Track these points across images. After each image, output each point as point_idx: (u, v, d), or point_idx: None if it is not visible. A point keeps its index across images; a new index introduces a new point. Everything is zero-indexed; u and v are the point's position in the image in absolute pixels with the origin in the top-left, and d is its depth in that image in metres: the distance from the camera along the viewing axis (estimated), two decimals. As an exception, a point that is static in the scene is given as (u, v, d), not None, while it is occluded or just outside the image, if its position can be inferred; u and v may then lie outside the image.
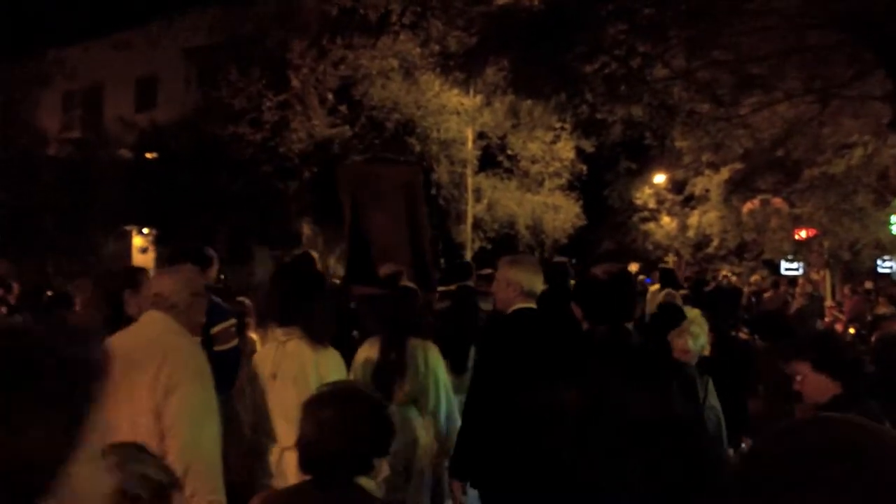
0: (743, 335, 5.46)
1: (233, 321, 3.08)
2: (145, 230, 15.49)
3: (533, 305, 2.87)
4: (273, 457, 2.25)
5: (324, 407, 1.59)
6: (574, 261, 14.47)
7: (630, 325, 2.34)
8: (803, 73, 9.15)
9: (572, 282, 4.13)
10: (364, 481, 1.58)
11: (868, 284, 10.59)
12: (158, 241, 15.11)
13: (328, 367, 2.26)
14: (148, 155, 14.56)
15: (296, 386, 2.20)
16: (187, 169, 12.77)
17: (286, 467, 2.17)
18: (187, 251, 2.59)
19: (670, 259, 15.57)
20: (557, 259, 5.01)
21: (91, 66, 16.34)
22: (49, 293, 8.82)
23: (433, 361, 2.93)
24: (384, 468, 1.53)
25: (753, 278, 13.48)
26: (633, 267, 9.99)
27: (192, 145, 13.05)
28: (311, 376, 2.20)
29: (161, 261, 15.46)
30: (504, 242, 14.10)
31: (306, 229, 15.16)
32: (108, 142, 14.82)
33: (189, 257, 2.71)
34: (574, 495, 2.13)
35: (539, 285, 2.96)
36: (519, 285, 2.83)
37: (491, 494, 2.73)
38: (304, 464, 1.58)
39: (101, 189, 13.94)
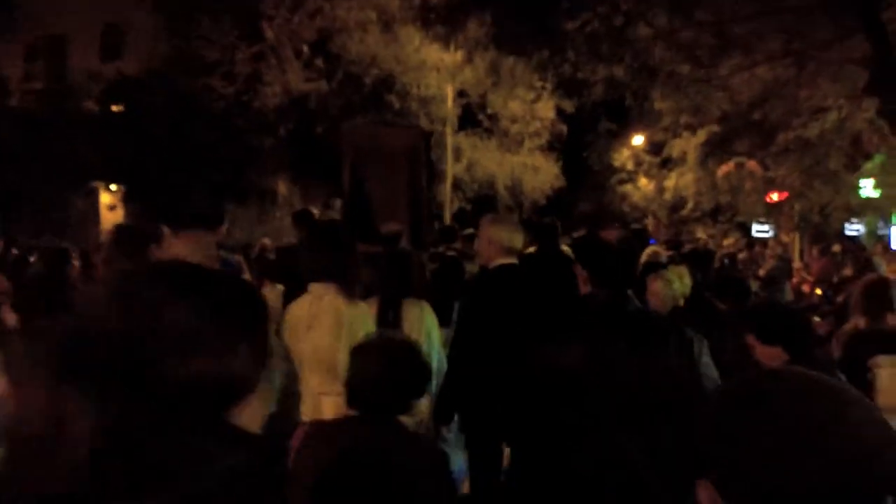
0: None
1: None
2: (113, 187, 15.08)
3: (514, 261, 2.99)
4: (308, 401, 2.38)
5: (370, 353, 1.82)
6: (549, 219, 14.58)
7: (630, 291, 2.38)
8: (783, 35, 9.16)
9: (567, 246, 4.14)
10: (405, 419, 1.82)
11: (836, 247, 10.83)
12: (127, 199, 14.74)
13: (359, 320, 2.44)
14: (115, 108, 14.06)
15: (330, 336, 2.39)
16: (157, 122, 12.38)
17: (323, 410, 2.34)
18: (201, 216, 2.42)
19: (649, 222, 15.76)
20: (547, 219, 5.05)
21: (55, 14, 15.58)
22: (14, 252, 8.58)
23: (428, 321, 3.02)
24: (423, 407, 1.60)
25: (727, 241, 13.72)
26: (650, 222, 10.08)
27: (161, 98, 12.62)
28: (344, 328, 2.38)
29: (131, 218, 15.14)
30: (483, 203, 14.08)
31: (282, 187, 14.92)
32: (73, 93, 14.26)
33: (201, 218, 2.54)
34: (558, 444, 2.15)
35: (519, 242, 3.08)
36: (500, 242, 2.97)
37: (474, 438, 2.88)
38: (351, 401, 1.80)
39: (66, 143, 13.48)
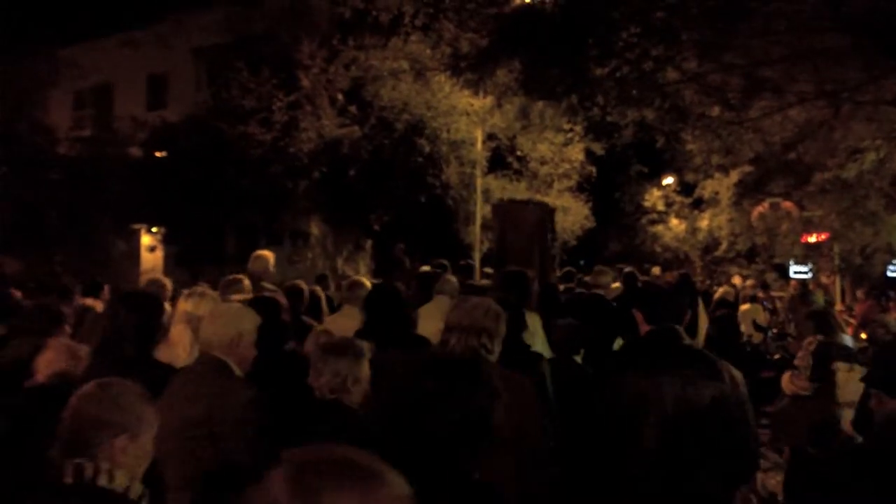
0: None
1: None
2: (154, 229, 15.55)
3: None
4: None
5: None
6: (583, 262, 14.49)
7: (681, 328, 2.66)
8: (815, 77, 9.10)
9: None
10: None
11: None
12: (166, 240, 15.16)
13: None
14: (158, 154, 14.61)
15: None
16: (197, 167, 12.80)
17: None
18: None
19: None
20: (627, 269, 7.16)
21: (102, 64, 16.41)
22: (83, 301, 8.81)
23: (535, 324, 3.83)
24: None
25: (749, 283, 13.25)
26: (656, 270, 10.30)
27: (201, 144, 13.08)
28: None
29: (168, 259, 15.55)
30: (512, 244, 14.07)
31: (315, 229, 15.19)
32: (118, 140, 14.87)
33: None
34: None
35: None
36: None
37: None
38: None
39: (111, 187, 14.00)
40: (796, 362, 4.50)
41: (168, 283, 4.97)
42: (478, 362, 1.96)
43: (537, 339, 3.81)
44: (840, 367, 4.06)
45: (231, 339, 2.38)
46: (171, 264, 15.39)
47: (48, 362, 2.78)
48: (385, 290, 3.43)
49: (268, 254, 5.28)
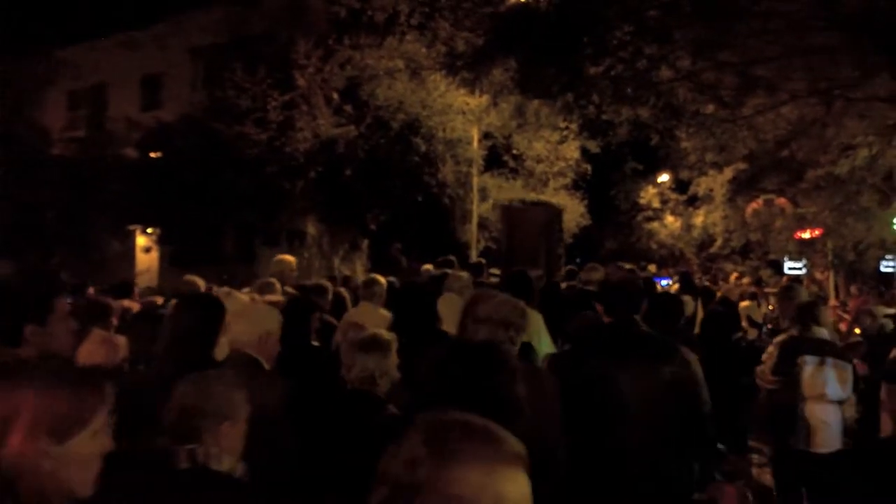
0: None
1: None
2: (149, 230, 15.52)
3: None
4: None
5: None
6: (579, 260, 14.54)
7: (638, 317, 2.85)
8: (808, 75, 9.17)
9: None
10: None
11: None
12: (161, 241, 15.14)
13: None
14: (152, 154, 14.58)
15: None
16: (192, 168, 12.79)
17: None
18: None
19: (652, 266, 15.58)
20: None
21: (96, 64, 16.36)
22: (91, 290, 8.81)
23: (538, 322, 3.94)
24: None
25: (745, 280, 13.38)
26: (652, 267, 10.45)
27: (197, 144, 13.07)
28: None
29: (164, 260, 15.53)
30: (508, 242, 14.13)
31: (311, 228, 15.20)
32: (113, 141, 14.83)
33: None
34: None
35: None
36: None
37: None
38: None
39: (106, 188, 13.97)
40: (764, 357, 4.54)
41: (201, 283, 5.19)
42: (500, 347, 2.07)
43: (543, 336, 3.89)
44: (808, 360, 4.07)
45: (259, 337, 2.56)
46: (166, 265, 15.38)
47: (88, 353, 2.96)
48: (414, 288, 3.74)
49: (289, 258, 5.54)
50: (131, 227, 15.68)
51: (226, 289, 4.00)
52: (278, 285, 4.57)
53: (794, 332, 4.31)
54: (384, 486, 0.99)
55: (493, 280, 6.04)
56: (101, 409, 1.24)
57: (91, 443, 1.22)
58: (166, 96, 16.94)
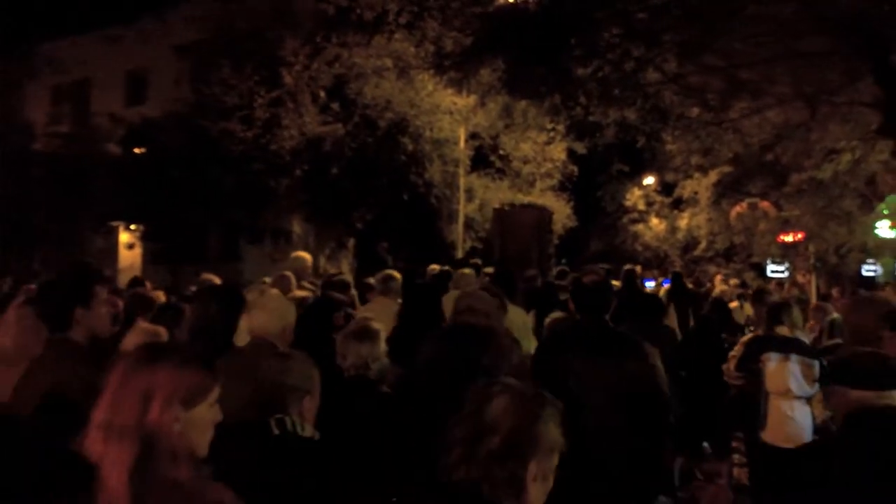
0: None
1: None
2: (132, 226, 15.33)
3: None
4: None
5: None
6: (564, 261, 14.58)
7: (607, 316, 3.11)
8: (793, 79, 9.26)
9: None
10: None
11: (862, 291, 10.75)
12: (145, 238, 14.97)
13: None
14: (136, 150, 14.40)
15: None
16: (177, 165, 12.64)
17: None
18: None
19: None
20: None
21: (80, 60, 16.14)
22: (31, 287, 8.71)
23: (521, 317, 4.20)
24: None
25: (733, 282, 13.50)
26: (638, 268, 10.60)
27: (182, 141, 12.92)
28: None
29: (148, 257, 15.35)
30: (494, 242, 14.14)
31: (297, 227, 15.09)
32: (97, 137, 14.64)
33: None
34: None
35: None
36: None
37: None
38: None
39: (89, 184, 13.78)
40: (730, 354, 4.71)
41: (216, 279, 5.47)
42: (488, 329, 2.44)
43: (526, 335, 4.05)
44: (772, 356, 4.21)
45: (282, 329, 2.87)
46: (149, 262, 15.21)
47: (132, 343, 3.19)
48: (422, 287, 4.33)
49: (306, 255, 6.10)
50: (114, 224, 15.49)
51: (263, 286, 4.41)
52: (294, 279, 4.96)
53: (759, 331, 4.52)
54: (457, 447, 1.35)
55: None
56: (216, 384, 1.54)
57: (209, 411, 1.51)
58: (151, 92, 16.75)
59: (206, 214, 13.09)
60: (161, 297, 5.40)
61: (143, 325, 3.78)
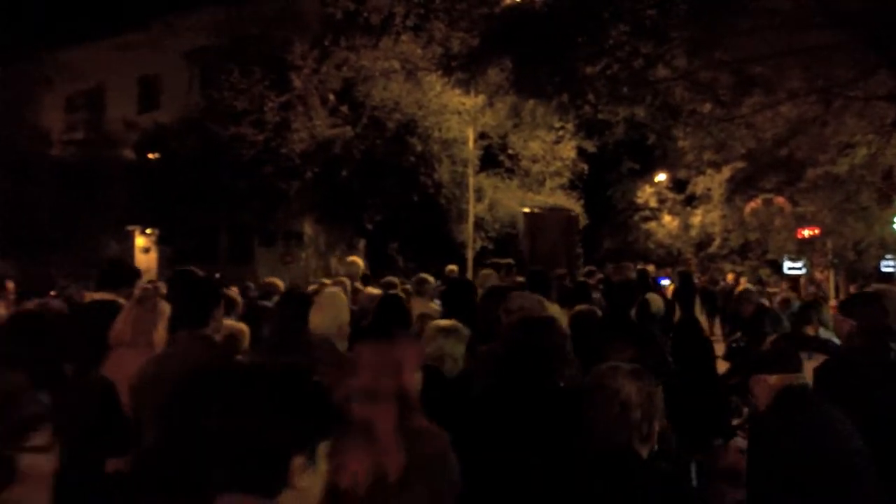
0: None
1: None
2: (148, 230, 15.52)
3: None
4: None
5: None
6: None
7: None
8: (806, 73, 9.11)
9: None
10: None
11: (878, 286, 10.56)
12: (160, 241, 15.14)
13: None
14: (150, 155, 14.57)
15: None
16: (190, 169, 12.78)
17: None
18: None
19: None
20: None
21: (94, 67, 16.34)
22: (53, 293, 8.85)
23: (556, 313, 4.22)
24: None
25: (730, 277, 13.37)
26: (651, 267, 10.68)
27: (194, 146, 13.06)
28: None
29: (163, 260, 15.52)
30: (505, 242, 14.09)
31: (308, 228, 15.18)
32: (111, 143, 14.82)
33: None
34: None
35: None
36: None
37: None
38: None
39: (104, 190, 13.96)
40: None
41: (280, 283, 6.18)
42: (551, 319, 2.84)
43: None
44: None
45: (339, 327, 3.21)
46: (164, 265, 15.37)
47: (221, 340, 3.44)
48: (462, 285, 4.48)
49: (358, 259, 6.77)
50: (130, 228, 15.68)
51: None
52: (348, 282, 5.56)
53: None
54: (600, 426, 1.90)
55: (520, 279, 6.49)
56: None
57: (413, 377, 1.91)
58: (163, 98, 16.94)
59: (219, 217, 13.22)
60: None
61: (229, 323, 4.06)
